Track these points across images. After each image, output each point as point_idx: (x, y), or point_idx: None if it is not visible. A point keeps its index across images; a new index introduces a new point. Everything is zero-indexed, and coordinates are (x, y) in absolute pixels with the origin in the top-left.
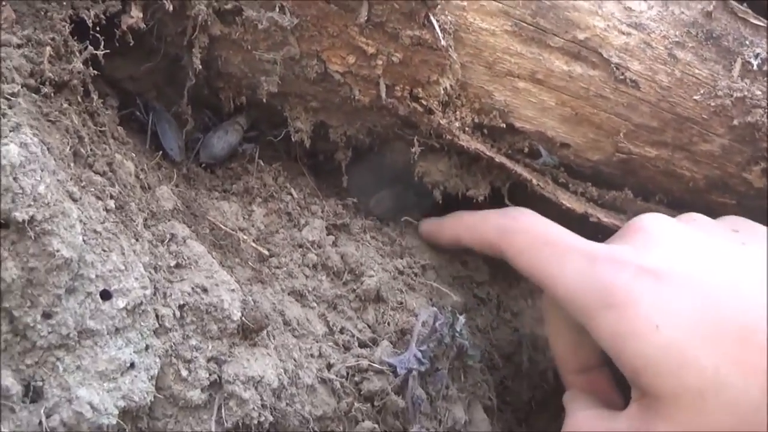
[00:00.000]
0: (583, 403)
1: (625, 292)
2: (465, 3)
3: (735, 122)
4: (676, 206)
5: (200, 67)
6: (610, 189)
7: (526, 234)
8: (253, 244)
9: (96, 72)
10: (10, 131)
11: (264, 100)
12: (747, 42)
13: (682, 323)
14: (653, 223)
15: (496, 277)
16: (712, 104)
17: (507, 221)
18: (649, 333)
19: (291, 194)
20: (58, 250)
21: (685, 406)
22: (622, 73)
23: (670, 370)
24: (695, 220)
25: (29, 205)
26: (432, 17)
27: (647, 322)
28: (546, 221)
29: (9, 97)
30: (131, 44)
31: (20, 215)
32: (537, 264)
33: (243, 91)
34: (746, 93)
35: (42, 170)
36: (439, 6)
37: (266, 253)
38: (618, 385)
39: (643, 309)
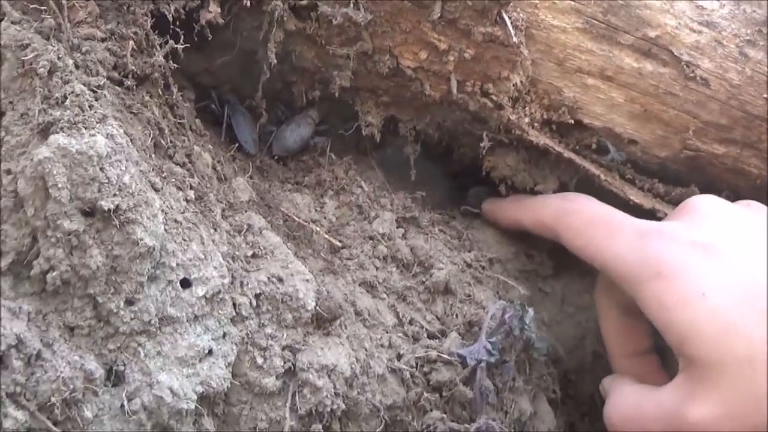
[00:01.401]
0: (627, 381)
1: (674, 263)
2: (537, 1)
3: None
4: None
5: (275, 61)
6: (677, 185)
7: (582, 214)
8: (326, 236)
9: (175, 65)
10: (97, 123)
11: (336, 95)
12: None
13: (731, 292)
14: (705, 203)
15: (561, 271)
16: None
17: (563, 203)
18: (696, 300)
19: (361, 187)
20: (141, 239)
21: (731, 374)
22: (693, 71)
23: (717, 336)
24: (750, 204)
25: (114, 195)
26: (504, 14)
27: (694, 290)
28: (601, 204)
29: (95, 89)
30: (208, 39)
31: (106, 204)
32: (592, 241)
33: (315, 86)
34: None
35: (127, 161)
36: (511, 3)
37: (338, 244)
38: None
39: (691, 278)
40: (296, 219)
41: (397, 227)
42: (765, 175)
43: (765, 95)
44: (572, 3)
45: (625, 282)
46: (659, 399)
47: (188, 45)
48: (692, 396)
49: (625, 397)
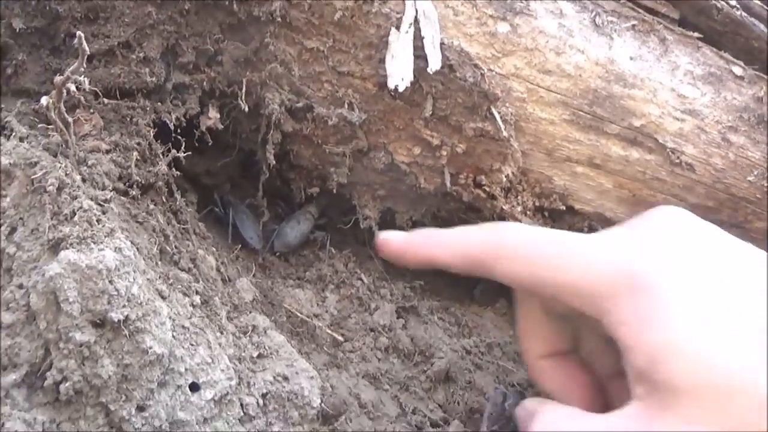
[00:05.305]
0: (557, 404)
1: (652, 277)
2: (525, 95)
3: None
4: None
5: (273, 162)
6: None
7: (521, 239)
8: (329, 331)
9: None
10: (105, 237)
11: (334, 190)
12: None
13: (713, 317)
14: (670, 215)
15: None
16: (766, 184)
17: (496, 233)
18: (675, 320)
19: (361, 279)
20: (150, 347)
21: (705, 403)
22: (678, 157)
23: (696, 362)
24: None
25: (124, 306)
26: (494, 110)
27: (675, 309)
28: (536, 227)
29: (102, 203)
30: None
31: (116, 315)
32: (539, 261)
33: (314, 182)
34: None
35: (134, 272)
36: (500, 99)
37: (341, 339)
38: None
39: (670, 295)
40: (299, 315)
41: (398, 317)
42: None
43: (749, 178)
44: (559, 96)
45: (590, 298)
46: (607, 427)
47: (189, 152)
48: (651, 427)
49: (559, 423)
